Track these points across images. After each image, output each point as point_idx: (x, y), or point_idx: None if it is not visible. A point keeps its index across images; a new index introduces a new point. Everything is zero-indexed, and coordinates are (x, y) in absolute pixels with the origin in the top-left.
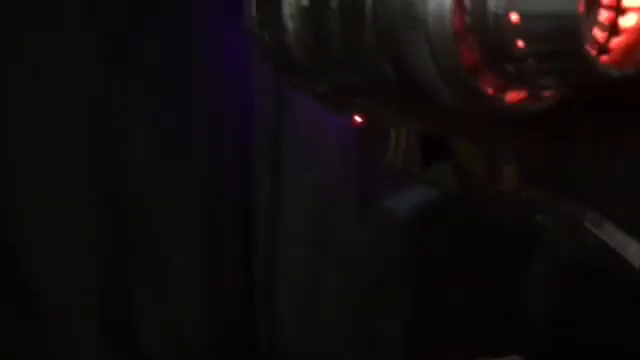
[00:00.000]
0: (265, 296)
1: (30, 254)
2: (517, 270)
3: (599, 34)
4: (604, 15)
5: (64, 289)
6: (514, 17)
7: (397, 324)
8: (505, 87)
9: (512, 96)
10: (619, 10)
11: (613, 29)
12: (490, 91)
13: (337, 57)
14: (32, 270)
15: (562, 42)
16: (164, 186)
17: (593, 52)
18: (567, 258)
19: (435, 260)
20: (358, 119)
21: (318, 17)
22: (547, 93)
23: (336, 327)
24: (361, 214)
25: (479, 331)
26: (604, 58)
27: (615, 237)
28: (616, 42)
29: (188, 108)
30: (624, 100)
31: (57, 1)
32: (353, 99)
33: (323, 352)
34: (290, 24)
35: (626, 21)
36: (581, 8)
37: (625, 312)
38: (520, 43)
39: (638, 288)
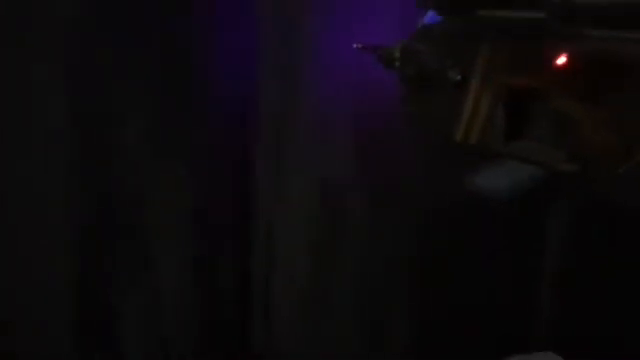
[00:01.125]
0: (262, 297)
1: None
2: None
3: None
4: None
5: (45, 289)
6: None
7: (402, 324)
8: None
9: None
10: None
11: None
12: None
13: None
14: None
15: None
16: (157, 185)
17: None
18: None
19: (437, 260)
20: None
21: None
22: None
23: (337, 328)
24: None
25: (491, 327)
26: None
27: None
28: None
29: (185, 106)
30: None
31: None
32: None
33: (321, 353)
34: None
35: None
36: None
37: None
38: None
39: None
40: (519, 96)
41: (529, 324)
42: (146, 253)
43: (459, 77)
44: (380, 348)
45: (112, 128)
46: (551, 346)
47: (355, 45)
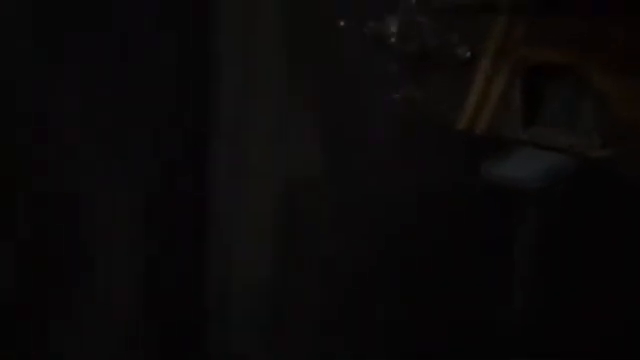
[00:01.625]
0: (219, 303)
1: None
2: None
3: None
4: None
5: None
6: None
7: (370, 326)
8: None
9: None
10: None
11: None
12: None
13: None
14: None
15: None
16: (106, 185)
17: None
18: None
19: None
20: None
21: None
22: None
23: (299, 330)
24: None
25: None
26: None
27: None
28: None
29: (130, 107)
30: None
31: None
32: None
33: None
34: None
35: None
36: None
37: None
38: None
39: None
40: (539, 75)
41: (503, 322)
42: (95, 254)
43: (468, 54)
44: (346, 349)
45: (52, 127)
46: (525, 342)
47: (340, 22)
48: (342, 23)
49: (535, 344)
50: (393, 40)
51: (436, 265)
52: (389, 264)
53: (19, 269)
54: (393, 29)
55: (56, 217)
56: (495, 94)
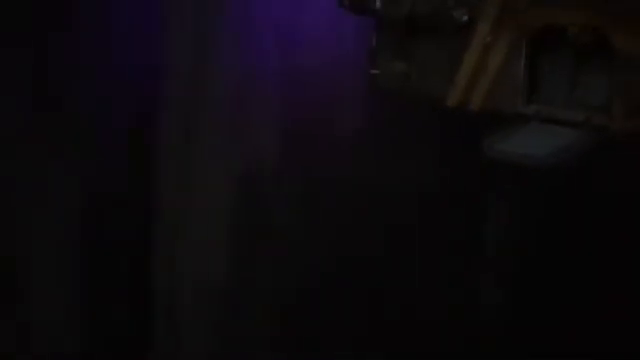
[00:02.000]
0: (166, 309)
1: None
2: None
3: None
4: None
5: None
6: None
7: (332, 326)
8: None
9: None
10: None
11: None
12: None
13: None
14: None
15: None
16: (46, 185)
17: None
18: None
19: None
20: None
21: None
22: None
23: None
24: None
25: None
26: None
27: None
28: None
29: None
30: None
31: None
32: None
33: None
34: None
35: None
36: None
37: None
38: None
39: None
40: (548, 41)
41: (472, 320)
42: (30, 256)
43: (465, 18)
44: (305, 349)
45: None
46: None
47: None
48: None
49: (508, 344)
50: (378, 4)
51: (395, 261)
52: (347, 263)
53: None
54: None
55: None
56: (494, 64)
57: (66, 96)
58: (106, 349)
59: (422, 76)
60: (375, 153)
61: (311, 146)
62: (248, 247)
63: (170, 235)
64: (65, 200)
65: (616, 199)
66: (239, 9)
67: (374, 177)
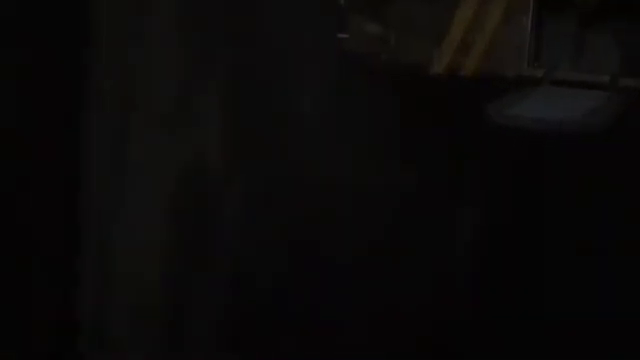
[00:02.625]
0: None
1: None
2: None
3: None
4: None
5: None
6: None
7: (287, 330)
8: None
9: None
10: None
11: None
12: None
13: None
14: None
15: None
16: None
17: None
18: None
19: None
20: None
21: None
22: None
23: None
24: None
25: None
26: None
27: None
28: None
29: None
30: None
31: None
32: None
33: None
34: None
35: None
36: None
37: None
38: None
39: None
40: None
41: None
42: None
43: None
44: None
45: None
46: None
47: None
48: None
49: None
50: None
51: (344, 264)
52: (299, 274)
53: None
54: None
55: None
56: (493, 20)
57: None
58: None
59: (402, 38)
60: (333, 150)
61: (258, 144)
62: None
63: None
64: None
65: (589, 209)
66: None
67: (331, 176)
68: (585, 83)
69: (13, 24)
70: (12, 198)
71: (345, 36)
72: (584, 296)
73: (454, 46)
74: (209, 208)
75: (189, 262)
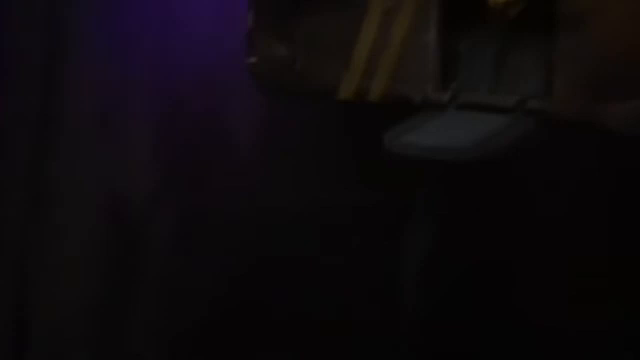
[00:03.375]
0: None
1: None
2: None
3: None
4: None
5: None
6: None
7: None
8: None
9: None
10: None
11: None
12: None
13: None
14: None
15: None
16: None
17: None
18: None
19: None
20: None
21: None
22: None
23: None
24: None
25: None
26: None
27: None
28: None
29: None
30: None
31: None
32: None
33: None
34: None
35: None
36: None
37: None
38: None
39: None
40: (467, 13)
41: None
42: None
43: None
44: None
45: None
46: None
47: None
48: None
49: None
50: None
51: (280, 294)
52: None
53: None
54: None
55: None
56: (397, 38)
57: None
58: None
59: (308, 63)
60: (269, 174)
61: (193, 169)
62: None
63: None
64: None
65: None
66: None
67: (267, 202)
68: (493, 107)
69: None
70: None
71: (253, 60)
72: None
73: (360, 69)
74: (136, 238)
75: (115, 293)
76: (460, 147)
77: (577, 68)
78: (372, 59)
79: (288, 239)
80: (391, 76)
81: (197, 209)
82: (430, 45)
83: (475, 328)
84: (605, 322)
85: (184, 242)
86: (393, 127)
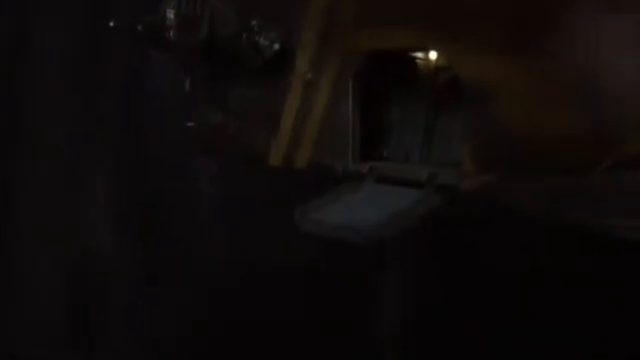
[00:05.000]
0: None
1: None
2: None
3: None
4: None
5: None
6: None
7: None
8: None
9: None
10: None
11: None
12: None
13: None
14: None
15: None
16: None
17: None
18: None
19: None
20: None
21: None
22: None
23: None
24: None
25: None
26: None
27: None
28: None
29: None
30: None
31: None
32: None
33: None
34: None
35: None
36: None
37: None
38: None
39: None
40: (377, 97)
41: None
42: None
43: (277, 47)
44: None
45: None
46: None
47: (110, 23)
48: (111, 24)
49: None
50: (172, 34)
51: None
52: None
53: None
54: (171, 17)
55: None
56: (318, 108)
57: None
58: None
59: (241, 127)
60: (234, 227)
61: (154, 219)
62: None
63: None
64: None
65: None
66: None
67: (229, 255)
68: (407, 180)
69: None
70: None
71: (191, 124)
72: None
73: (287, 137)
74: (99, 288)
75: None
76: (365, 226)
77: (480, 146)
78: (297, 128)
79: (240, 289)
80: (315, 146)
81: (158, 265)
82: (349, 116)
83: None
84: None
85: (146, 289)
86: (305, 202)
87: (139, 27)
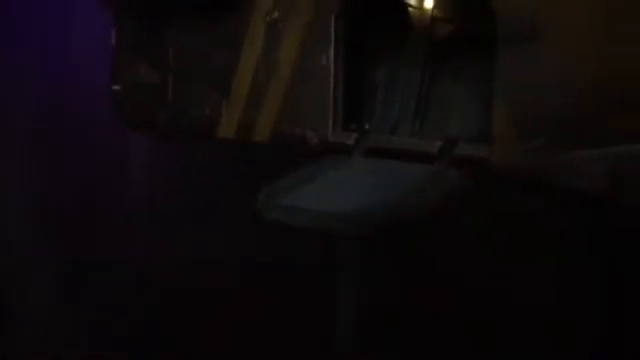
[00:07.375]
0: None
1: None
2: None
3: None
4: None
5: None
6: None
7: None
8: None
9: None
10: None
11: None
12: None
13: None
14: None
15: None
16: None
17: None
18: None
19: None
20: None
21: None
22: None
23: None
24: None
25: None
26: None
27: None
28: None
29: None
30: None
31: None
32: None
33: None
34: None
35: None
36: None
37: None
38: None
39: None
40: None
41: None
42: None
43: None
44: None
45: None
46: None
47: None
48: None
49: None
50: None
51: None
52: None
53: None
54: None
55: None
56: (286, 65)
57: None
58: None
59: (181, 90)
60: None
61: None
62: None
63: None
64: None
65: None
66: None
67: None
68: (411, 153)
69: None
70: None
71: (117, 88)
72: None
73: (242, 99)
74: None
75: None
76: (359, 213)
77: (522, 104)
78: (257, 88)
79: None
80: (281, 111)
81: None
82: (329, 70)
83: None
84: None
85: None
86: (271, 182)
87: None
